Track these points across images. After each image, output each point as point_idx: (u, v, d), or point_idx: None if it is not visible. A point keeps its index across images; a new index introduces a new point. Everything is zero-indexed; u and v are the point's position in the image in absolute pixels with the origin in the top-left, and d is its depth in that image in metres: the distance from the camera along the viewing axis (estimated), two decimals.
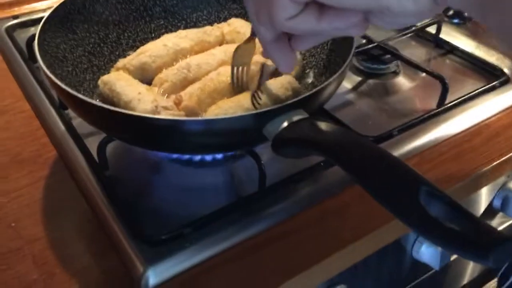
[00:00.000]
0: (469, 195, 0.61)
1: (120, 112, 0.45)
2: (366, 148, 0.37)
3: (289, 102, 0.45)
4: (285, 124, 0.44)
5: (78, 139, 0.60)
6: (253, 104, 0.54)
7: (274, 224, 0.52)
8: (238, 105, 0.53)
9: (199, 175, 0.58)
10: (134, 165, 0.59)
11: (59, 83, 0.47)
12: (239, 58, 0.57)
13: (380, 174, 0.35)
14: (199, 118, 0.49)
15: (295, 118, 0.44)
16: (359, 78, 0.74)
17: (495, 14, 0.28)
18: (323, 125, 0.42)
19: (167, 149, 0.52)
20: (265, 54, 0.43)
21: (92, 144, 0.58)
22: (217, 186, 0.57)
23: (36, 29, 0.82)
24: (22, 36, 0.81)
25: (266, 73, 0.55)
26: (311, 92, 0.47)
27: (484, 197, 0.70)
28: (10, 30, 0.81)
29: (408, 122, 0.63)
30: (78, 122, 0.62)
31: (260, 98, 0.54)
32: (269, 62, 0.59)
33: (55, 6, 0.59)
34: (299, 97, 0.46)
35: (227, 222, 0.51)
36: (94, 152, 0.57)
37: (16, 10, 0.89)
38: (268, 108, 0.45)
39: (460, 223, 0.31)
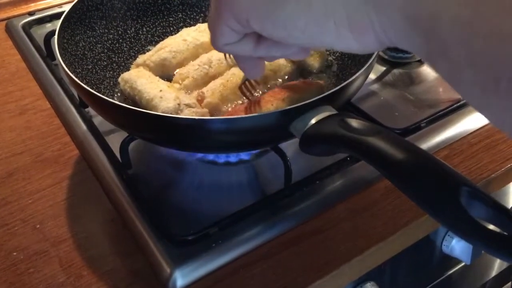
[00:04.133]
0: (502, 187, 0.59)
1: (144, 112, 0.44)
2: (402, 146, 0.36)
3: (316, 98, 0.44)
4: (313, 121, 0.43)
5: (99, 138, 0.59)
6: (245, 95, 0.53)
7: (301, 222, 0.51)
8: None
9: (223, 172, 0.57)
10: (157, 163, 0.58)
11: (81, 83, 0.46)
12: None
13: (418, 174, 0.34)
14: (225, 117, 0.47)
15: (323, 114, 0.43)
16: (383, 68, 0.72)
17: (442, 62, 0.26)
18: (353, 122, 0.40)
19: (191, 149, 0.51)
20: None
21: (114, 142, 0.58)
22: (242, 183, 0.56)
23: (53, 25, 0.83)
24: (39, 32, 0.81)
25: None
26: (338, 87, 0.45)
27: None
28: (27, 27, 0.81)
29: (436, 113, 0.61)
30: (99, 120, 0.61)
31: (254, 88, 0.53)
32: None
33: (73, 3, 0.58)
34: (327, 93, 0.44)
35: (253, 221, 0.50)
36: (116, 150, 0.56)
37: (32, 6, 0.88)
38: (295, 106, 0.43)
39: (507, 226, 0.29)
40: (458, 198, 0.31)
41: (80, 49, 0.58)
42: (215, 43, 0.37)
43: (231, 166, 0.57)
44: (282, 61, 0.60)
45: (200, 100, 0.54)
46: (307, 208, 0.52)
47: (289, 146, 0.54)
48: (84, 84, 0.48)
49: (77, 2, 0.58)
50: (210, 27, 0.38)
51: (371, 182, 0.54)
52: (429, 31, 0.24)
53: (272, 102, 0.50)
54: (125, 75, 0.57)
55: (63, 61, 0.50)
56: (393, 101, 0.66)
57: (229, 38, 0.35)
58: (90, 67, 0.58)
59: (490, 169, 0.56)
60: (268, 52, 0.37)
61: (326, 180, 0.54)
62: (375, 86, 0.68)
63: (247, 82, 0.53)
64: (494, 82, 0.22)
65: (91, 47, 0.60)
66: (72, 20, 0.57)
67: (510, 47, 0.21)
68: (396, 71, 0.71)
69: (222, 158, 0.56)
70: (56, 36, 0.53)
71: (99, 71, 0.59)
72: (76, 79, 0.46)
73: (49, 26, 0.82)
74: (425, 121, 0.60)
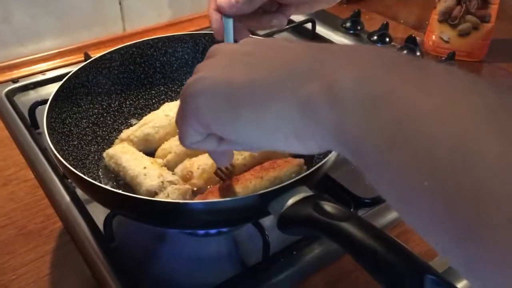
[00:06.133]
0: None
1: (126, 195, 0.47)
2: (371, 233, 0.39)
3: (291, 180, 0.47)
4: (290, 202, 0.46)
5: (83, 210, 0.61)
6: (221, 178, 0.55)
7: None
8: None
9: (203, 244, 0.59)
10: (139, 234, 0.60)
11: (70, 166, 0.48)
12: None
13: (384, 261, 0.37)
14: (205, 200, 0.50)
15: (299, 196, 0.46)
16: None
17: (365, 172, 0.30)
18: (327, 206, 0.43)
19: (172, 227, 0.54)
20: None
21: (97, 211, 0.60)
22: (222, 254, 0.58)
23: (36, 92, 0.85)
24: (22, 99, 0.83)
25: None
26: (313, 168, 0.49)
27: None
28: (11, 95, 0.83)
29: None
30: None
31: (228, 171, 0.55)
32: None
33: (60, 83, 0.60)
34: (302, 175, 0.48)
35: None
36: (98, 221, 0.58)
37: (15, 73, 0.90)
38: (272, 189, 0.46)
39: None
40: (423, 286, 0.35)
41: (66, 126, 0.60)
42: (182, 142, 0.41)
43: (211, 237, 0.59)
44: None
45: (188, 178, 0.56)
46: (285, 279, 0.54)
47: (268, 216, 0.56)
48: (71, 160, 0.50)
49: (64, 82, 0.60)
50: (177, 126, 0.41)
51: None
52: (354, 151, 0.30)
53: (251, 180, 0.53)
54: (110, 151, 0.60)
55: (51, 141, 0.52)
56: None
57: (194, 138, 0.39)
58: (75, 143, 0.60)
59: None
60: (231, 147, 0.42)
61: (304, 251, 0.57)
62: None
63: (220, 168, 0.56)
64: (401, 197, 0.28)
65: (77, 122, 0.62)
66: (60, 98, 0.59)
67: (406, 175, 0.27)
68: None
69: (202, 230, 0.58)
70: (44, 117, 0.55)
71: (84, 146, 0.62)
72: (65, 162, 0.48)
73: (32, 93, 0.85)
74: None
